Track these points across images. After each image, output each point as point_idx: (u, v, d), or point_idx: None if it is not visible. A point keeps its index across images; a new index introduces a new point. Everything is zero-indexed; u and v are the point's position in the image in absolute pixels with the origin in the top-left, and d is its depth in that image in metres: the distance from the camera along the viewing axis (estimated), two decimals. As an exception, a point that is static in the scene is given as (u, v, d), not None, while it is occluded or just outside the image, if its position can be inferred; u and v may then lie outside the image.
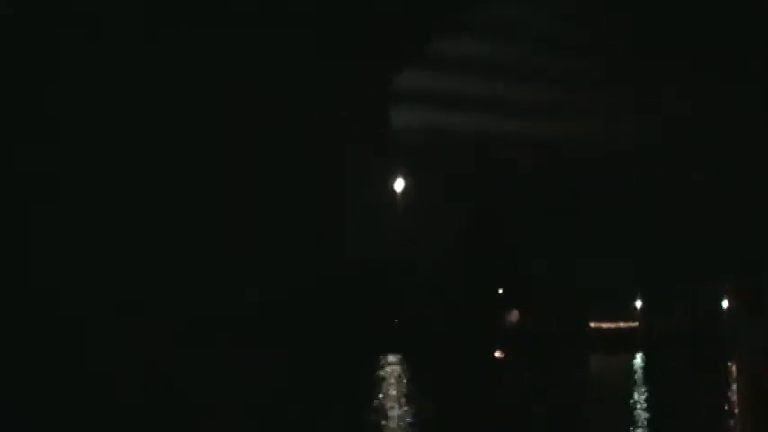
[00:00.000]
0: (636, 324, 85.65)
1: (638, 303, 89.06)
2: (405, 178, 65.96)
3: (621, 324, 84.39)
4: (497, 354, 63.23)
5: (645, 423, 25.80)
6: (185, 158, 71.64)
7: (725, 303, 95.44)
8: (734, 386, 41.73)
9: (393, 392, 32.86)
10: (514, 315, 77.41)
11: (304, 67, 73.82)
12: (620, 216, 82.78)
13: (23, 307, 59.98)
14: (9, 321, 56.43)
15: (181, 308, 64.17)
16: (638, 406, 29.98)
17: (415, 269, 73.19)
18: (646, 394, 35.12)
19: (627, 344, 75.47)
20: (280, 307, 66.17)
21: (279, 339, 60.29)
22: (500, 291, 78.62)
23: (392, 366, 46.93)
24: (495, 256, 78.05)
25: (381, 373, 42.43)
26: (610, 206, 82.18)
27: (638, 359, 63.35)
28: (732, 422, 27.07)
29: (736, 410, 30.29)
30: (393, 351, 56.96)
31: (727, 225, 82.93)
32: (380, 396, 31.37)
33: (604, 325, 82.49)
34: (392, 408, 27.62)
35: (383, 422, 24.78)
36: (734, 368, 55.73)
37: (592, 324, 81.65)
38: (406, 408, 27.67)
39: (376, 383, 36.23)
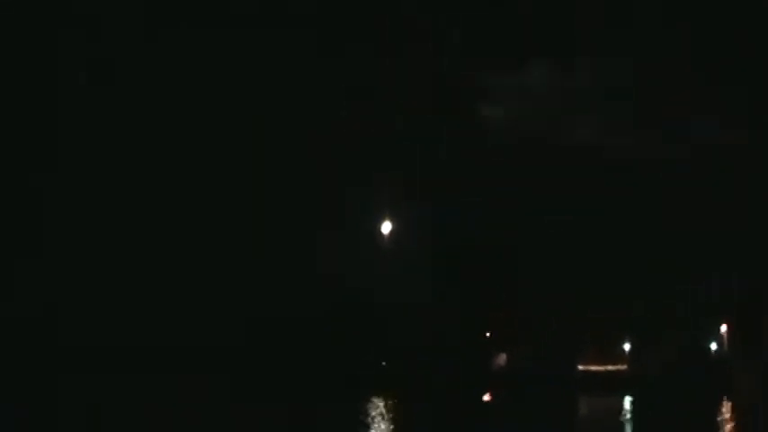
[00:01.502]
0: (624, 367, 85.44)
1: (627, 346, 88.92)
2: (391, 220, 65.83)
3: (610, 367, 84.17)
4: (486, 397, 62.85)
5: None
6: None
7: (713, 345, 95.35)
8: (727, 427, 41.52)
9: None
10: (502, 358, 77.17)
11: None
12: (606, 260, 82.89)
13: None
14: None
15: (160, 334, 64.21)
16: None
17: (401, 311, 72.94)
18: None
19: (615, 386, 75.14)
20: (260, 343, 65.89)
21: (258, 377, 59.87)
22: (488, 334, 78.44)
23: (378, 409, 46.55)
24: (482, 299, 77.89)
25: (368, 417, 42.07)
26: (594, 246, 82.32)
27: (627, 402, 62.97)
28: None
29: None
30: (379, 394, 56.51)
31: (716, 268, 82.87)
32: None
33: (593, 368, 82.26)
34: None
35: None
36: (728, 408, 55.51)
37: (580, 367, 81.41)
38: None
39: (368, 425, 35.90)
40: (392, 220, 66.21)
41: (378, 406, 49.37)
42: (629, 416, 50.55)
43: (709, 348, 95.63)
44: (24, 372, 55.05)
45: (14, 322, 61.47)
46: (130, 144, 70.53)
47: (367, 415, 42.90)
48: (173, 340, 64.77)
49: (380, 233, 66.96)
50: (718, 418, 48.21)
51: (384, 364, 68.34)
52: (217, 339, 66.29)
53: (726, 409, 56.40)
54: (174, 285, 69.19)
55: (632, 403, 62.29)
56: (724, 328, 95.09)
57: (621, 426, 41.86)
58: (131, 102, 70.82)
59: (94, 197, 69.20)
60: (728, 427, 43.53)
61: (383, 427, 36.98)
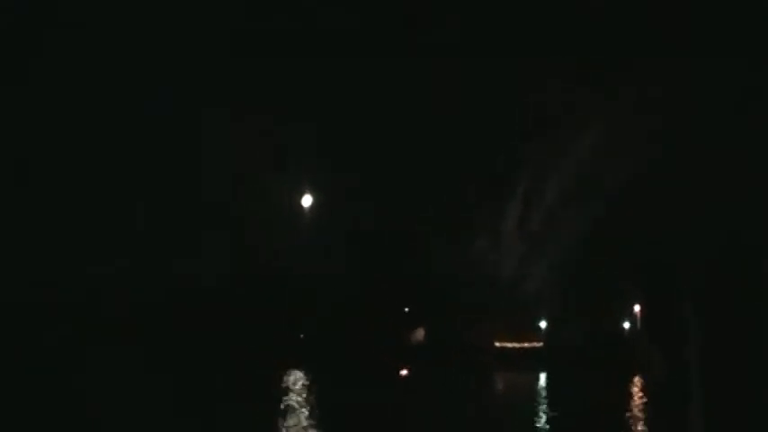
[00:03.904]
0: (540, 344, 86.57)
1: (542, 324, 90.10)
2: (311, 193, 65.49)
3: (526, 344, 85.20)
4: (403, 371, 63.18)
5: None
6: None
7: (626, 325, 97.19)
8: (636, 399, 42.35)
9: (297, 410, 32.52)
10: (420, 333, 77.60)
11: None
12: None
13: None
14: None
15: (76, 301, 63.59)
16: (539, 425, 30.15)
17: (319, 284, 72.83)
18: (548, 413, 35.38)
19: (531, 363, 76.16)
20: (177, 309, 65.37)
21: (171, 343, 59.45)
22: (406, 309, 78.77)
23: (297, 383, 46.53)
24: (399, 273, 78.10)
25: (287, 387, 42.05)
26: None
27: (542, 378, 63.95)
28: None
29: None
30: (297, 367, 56.46)
31: (635, 249, 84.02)
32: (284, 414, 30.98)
33: (509, 344, 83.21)
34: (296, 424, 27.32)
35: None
36: (637, 383, 56.70)
37: (497, 344, 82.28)
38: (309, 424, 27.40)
39: (280, 399, 35.84)
40: (312, 192, 66.10)
41: (295, 378, 49.37)
42: (543, 392, 51.37)
43: (623, 327, 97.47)
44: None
45: None
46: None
47: (283, 387, 42.88)
48: (90, 309, 64.06)
49: (299, 205, 66.82)
50: (628, 392, 49.24)
51: (302, 336, 68.24)
52: (132, 310, 65.60)
53: (635, 384, 57.64)
54: (89, 253, 68.46)
55: (547, 379, 63.31)
56: (637, 308, 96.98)
57: (537, 401, 42.47)
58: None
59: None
60: (637, 399, 44.46)
61: (299, 398, 36.98)
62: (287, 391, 40.71)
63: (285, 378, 49.39)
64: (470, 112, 79.14)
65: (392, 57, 76.00)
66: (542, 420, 31.55)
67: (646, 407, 40.57)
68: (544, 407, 37.75)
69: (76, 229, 70.11)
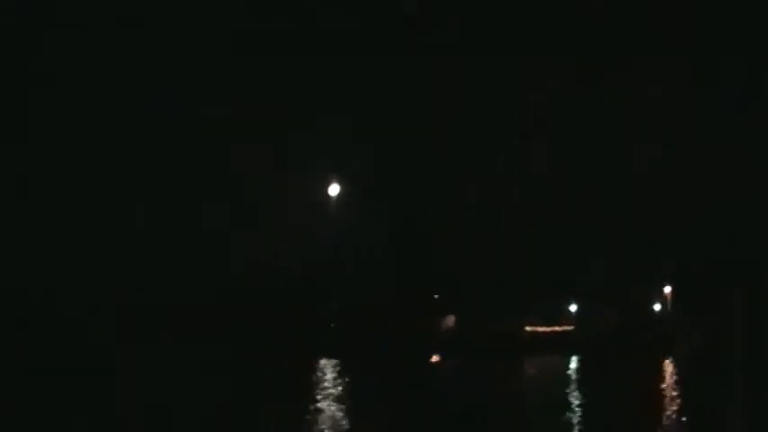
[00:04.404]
0: (571, 328, 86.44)
1: (573, 308, 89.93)
2: (338, 181, 65.60)
3: (557, 328, 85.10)
4: (434, 358, 63.26)
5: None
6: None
7: (657, 306, 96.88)
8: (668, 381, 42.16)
9: (330, 398, 32.57)
10: (451, 320, 77.59)
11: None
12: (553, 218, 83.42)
13: None
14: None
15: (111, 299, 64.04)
16: (570, 410, 30.05)
17: (347, 273, 72.98)
18: (579, 398, 35.28)
19: (562, 347, 76.04)
20: (208, 307, 65.65)
21: (209, 339, 59.76)
22: (436, 296, 78.75)
23: (328, 371, 46.64)
24: (428, 260, 78.10)
25: (319, 376, 42.15)
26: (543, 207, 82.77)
27: (574, 362, 63.80)
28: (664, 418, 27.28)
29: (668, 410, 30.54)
30: (328, 356, 56.63)
31: (665, 228, 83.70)
32: (318, 402, 31.05)
33: (540, 329, 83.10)
34: (331, 415, 27.37)
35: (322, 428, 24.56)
36: (670, 368, 56.45)
37: (528, 328, 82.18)
38: (344, 413, 27.46)
39: (312, 388, 35.93)
40: (339, 182, 66.27)
41: (327, 367, 49.52)
42: (575, 375, 51.26)
43: (653, 310, 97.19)
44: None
45: None
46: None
47: (316, 376, 43.04)
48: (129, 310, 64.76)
49: (328, 195, 66.95)
50: (661, 375, 49.05)
51: (333, 325, 68.33)
52: (163, 310, 66.16)
53: (668, 367, 57.42)
54: (140, 252, 69.19)
55: (579, 362, 63.19)
56: (668, 289, 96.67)
57: (568, 385, 42.39)
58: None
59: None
60: (670, 382, 44.27)
61: (332, 388, 37.09)
62: (317, 381, 40.86)
63: (315, 367, 49.58)
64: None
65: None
66: (574, 405, 31.46)
67: (680, 390, 40.40)
68: (576, 392, 37.64)
69: (111, 230, 70.65)
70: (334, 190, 66.03)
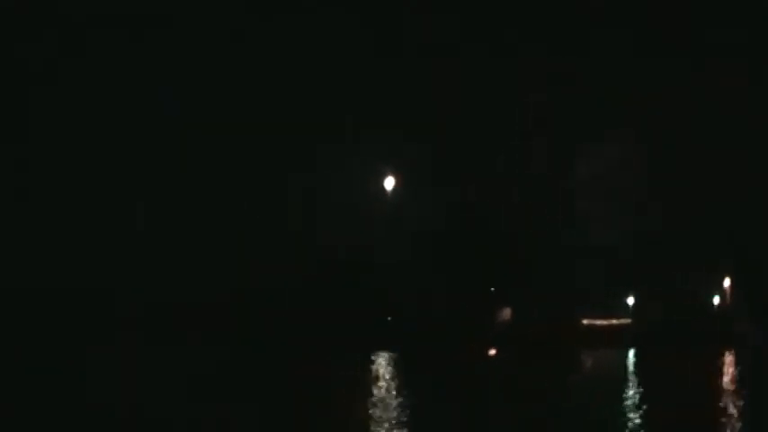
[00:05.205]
0: (628, 321, 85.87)
1: (630, 300, 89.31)
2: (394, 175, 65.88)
3: (614, 321, 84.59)
4: (491, 351, 63.33)
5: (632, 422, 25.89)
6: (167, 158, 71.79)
7: (716, 300, 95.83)
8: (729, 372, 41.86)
9: (389, 391, 32.91)
10: (507, 313, 77.55)
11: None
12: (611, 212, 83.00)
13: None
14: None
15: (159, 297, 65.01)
16: (628, 404, 30.04)
17: (404, 268, 73.33)
18: (637, 391, 35.24)
19: (619, 340, 75.70)
20: (267, 302, 66.43)
21: (269, 335, 60.54)
22: (492, 289, 78.77)
23: (386, 365, 46.99)
24: (486, 254, 78.13)
25: (376, 369, 42.51)
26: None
27: (631, 355, 63.52)
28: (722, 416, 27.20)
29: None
30: (385, 348, 57.00)
31: (725, 223, 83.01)
32: (377, 393, 31.40)
33: (597, 322, 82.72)
34: (389, 405, 27.68)
35: (382, 417, 24.85)
36: (729, 361, 56.03)
37: (585, 321, 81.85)
38: (402, 406, 27.74)
39: (371, 381, 36.28)
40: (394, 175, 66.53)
41: (384, 361, 49.86)
42: (632, 368, 51.06)
43: (712, 302, 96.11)
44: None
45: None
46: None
47: (374, 370, 43.38)
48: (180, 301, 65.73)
49: (383, 189, 67.21)
50: (720, 368, 48.71)
51: (389, 319, 68.72)
52: (226, 301, 67.11)
53: (727, 359, 56.95)
54: (181, 255, 70.10)
55: (636, 356, 62.86)
56: (727, 282, 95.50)
57: (626, 379, 42.29)
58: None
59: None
60: (731, 372, 43.94)
61: (391, 381, 37.41)
62: (375, 374, 41.22)
63: (373, 359, 49.94)
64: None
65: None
66: (630, 401, 31.46)
67: (740, 384, 40.14)
68: (633, 388, 37.57)
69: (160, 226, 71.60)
70: (389, 183, 66.25)
